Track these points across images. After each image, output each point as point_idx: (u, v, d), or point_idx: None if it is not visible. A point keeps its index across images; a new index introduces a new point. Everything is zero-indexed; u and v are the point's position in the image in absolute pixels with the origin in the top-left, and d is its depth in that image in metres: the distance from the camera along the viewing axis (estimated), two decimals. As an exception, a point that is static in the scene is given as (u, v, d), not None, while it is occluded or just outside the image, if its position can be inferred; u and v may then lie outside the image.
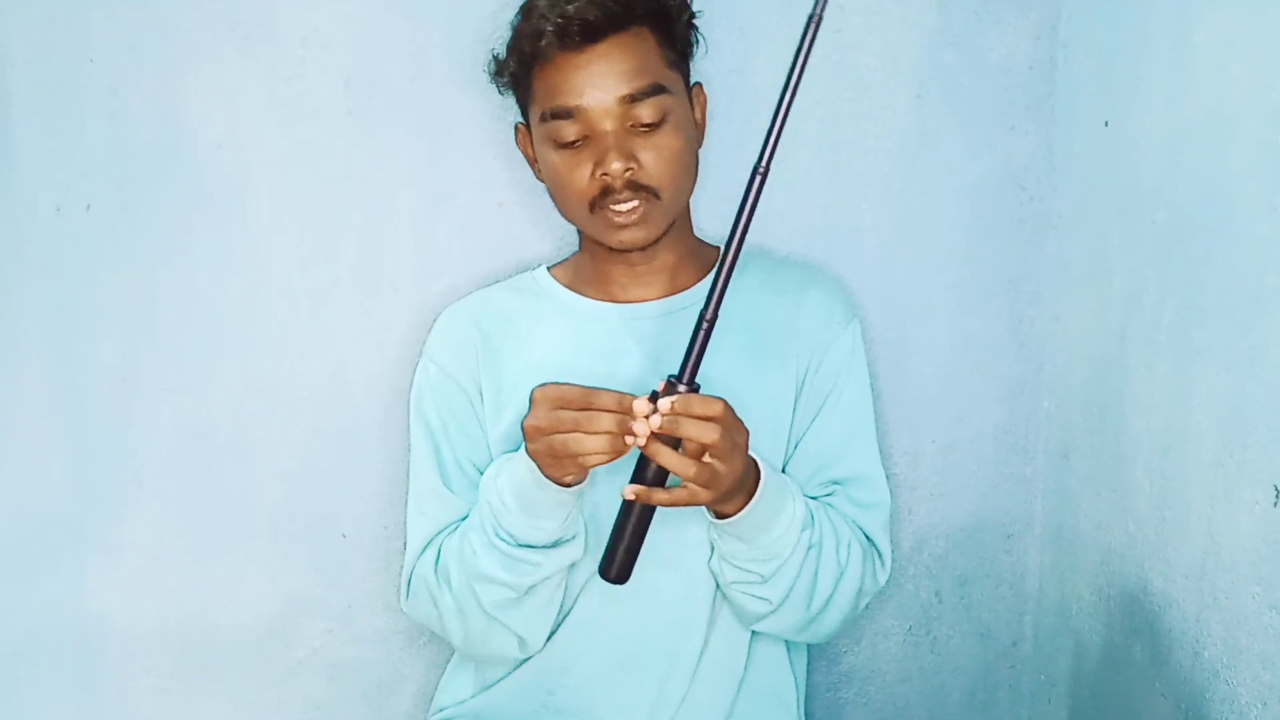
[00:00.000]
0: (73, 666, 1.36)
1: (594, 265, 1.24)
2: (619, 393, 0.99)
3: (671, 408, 0.97)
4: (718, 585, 1.17)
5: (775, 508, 1.09)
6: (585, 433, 0.99)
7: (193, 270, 1.33)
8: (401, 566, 1.24)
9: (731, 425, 0.99)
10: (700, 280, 1.25)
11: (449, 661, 1.31)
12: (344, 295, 1.35)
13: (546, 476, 1.04)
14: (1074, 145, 1.36)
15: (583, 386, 1.01)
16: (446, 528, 1.20)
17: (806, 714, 1.27)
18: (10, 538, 1.34)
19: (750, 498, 1.07)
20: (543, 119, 1.15)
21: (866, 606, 1.23)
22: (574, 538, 1.13)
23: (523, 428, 1.03)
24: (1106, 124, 1.28)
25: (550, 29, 1.11)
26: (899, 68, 1.37)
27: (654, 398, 0.98)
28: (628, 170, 1.12)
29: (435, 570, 1.17)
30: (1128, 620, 1.24)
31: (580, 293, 1.25)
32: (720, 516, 1.08)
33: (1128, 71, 1.23)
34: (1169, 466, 1.16)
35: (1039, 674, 1.48)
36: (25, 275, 1.31)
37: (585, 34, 1.11)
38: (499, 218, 1.35)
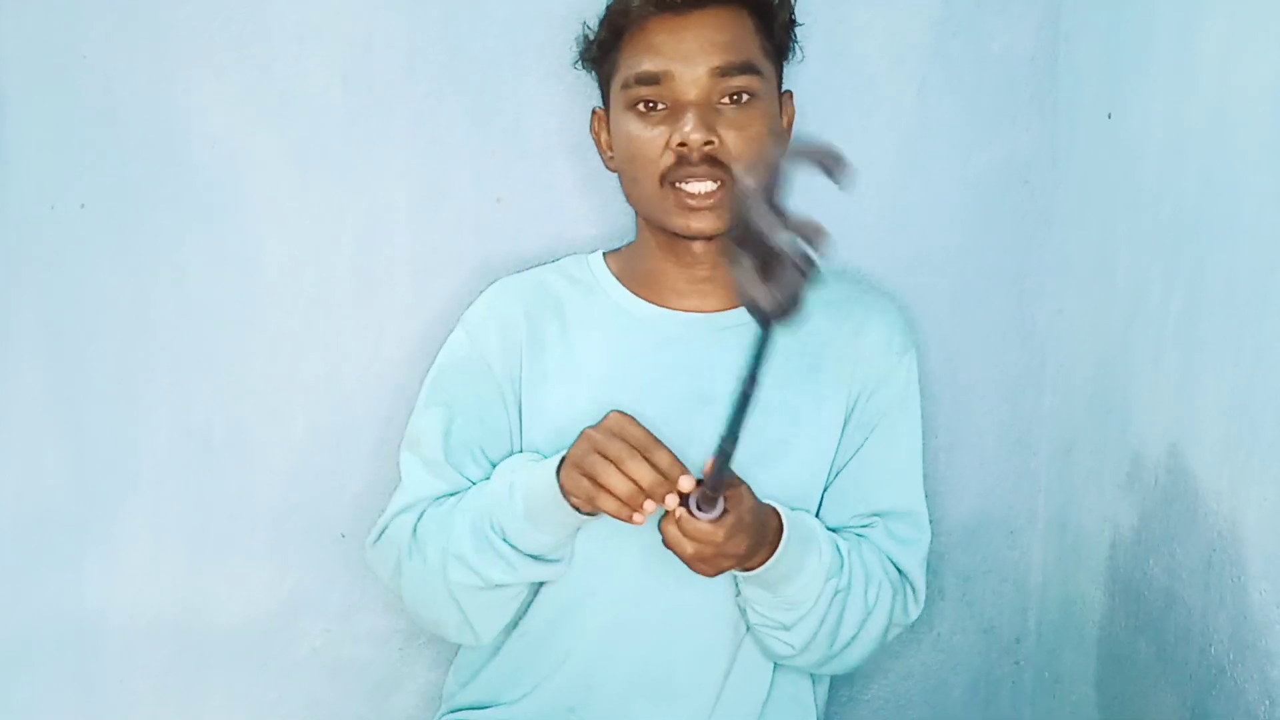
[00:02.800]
0: (70, 666, 1.36)
1: (650, 263, 1.19)
2: (671, 460, 0.98)
3: (677, 518, 0.98)
4: (743, 612, 1.15)
5: (798, 561, 1.06)
6: (620, 471, 0.98)
7: (189, 268, 1.32)
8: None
9: (722, 548, 0.98)
10: None
11: (453, 660, 1.30)
12: (341, 292, 1.34)
13: (566, 495, 1.02)
14: (1077, 138, 1.35)
15: (649, 435, 0.99)
16: (439, 497, 1.16)
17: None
18: (8, 536, 1.33)
19: (773, 549, 1.04)
20: (625, 85, 1.10)
21: (895, 639, 1.21)
22: (559, 560, 1.11)
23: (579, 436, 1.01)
24: (1110, 116, 1.27)
25: None
26: (901, 60, 1.36)
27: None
28: (708, 143, 1.07)
29: (413, 534, 1.14)
30: (1132, 617, 1.24)
31: (635, 291, 1.20)
32: (745, 568, 1.06)
33: (1130, 63, 1.22)
34: (1175, 462, 1.15)
35: (1043, 671, 1.47)
36: (20, 274, 1.30)
37: None
38: (496, 214, 1.34)
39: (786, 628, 1.10)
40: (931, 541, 1.44)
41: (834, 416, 1.17)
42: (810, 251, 0.78)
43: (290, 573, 1.38)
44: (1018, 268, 1.41)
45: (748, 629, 1.16)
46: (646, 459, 0.97)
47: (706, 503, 0.98)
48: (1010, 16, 1.36)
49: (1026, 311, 1.43)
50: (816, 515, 1.18)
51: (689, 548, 0.98)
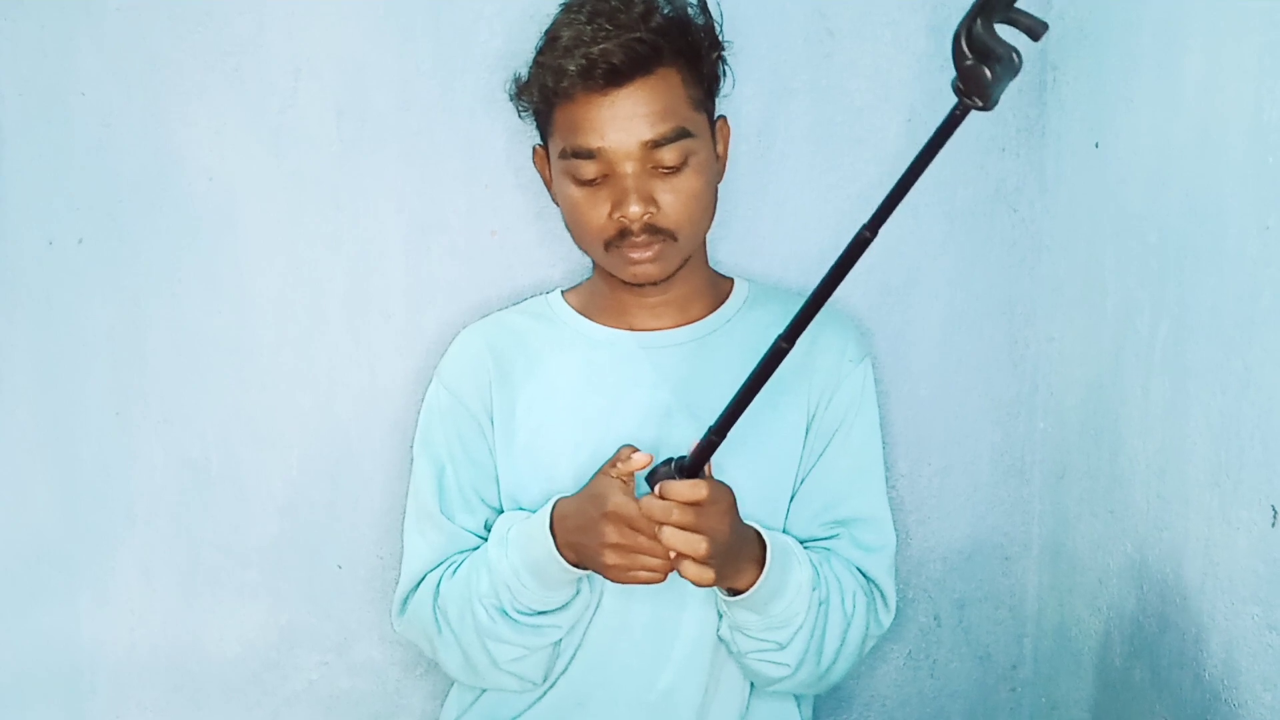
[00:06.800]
0: (64, 701, 1.35)
1: (607, 293, 1.24)
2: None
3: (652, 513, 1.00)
4: (725, 645, 1.17)
5: (783, 576, 1.08)
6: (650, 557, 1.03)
7: (184, 301, 1.33)
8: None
9: (706, 514, 1.00)
10: (714, 310, 1.24)
11: (449, 691, 1.30)
12: (335, 325, 1.35)
13: (573, 563, 1.08)
14: (1065, 166, 1.36)
15: (643, 515, 1.02)
16: (444, 560, 1.20)
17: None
18: (1, 572, 1.33)
19: (758, 568, 1.06)
20: (562, 155, 1.13)
21: (871, 650, 1.22)
22: (580, 593, 1.14)
23: (594, 544, 1.04)
24: (1097, 145, 1.29)
25: (573, 68, 1.08)
26: (890, 91, 1.37)
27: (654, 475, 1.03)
28: (646, 214, 1.11)
29: (433, 609, 1.18)
30: (1127, 642, 1.24)
31: (593, 319, 1.25)
32: (732, 593, 1.08)
33: (1116, 93, 1.24)
34: (1166, 487, 1.15)
35: (1039, 697, 1.47)
36: (17, 309, 1.31)
37: (609, 77, 1.08)
38: (490, 245, 1.35)
39: (782, 646, 1.11)
40: (927, 568, 1.45)
41: (795, 429, 1.20)
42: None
43: (286, 605, 1.38)
44: (1008, 295, 1.42)
45: (732, 652, 1.17)
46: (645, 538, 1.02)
47: (686, 475, 1.01)
48: (997, 48, 1.38)
49: (1017, 338, 1.43)
50: (784, 528, 1.20)
51: (674, 514, 0.99)
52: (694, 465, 1.00)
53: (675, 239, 1.14)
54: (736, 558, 1.05)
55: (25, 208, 1.29)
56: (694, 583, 1.01)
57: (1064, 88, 1.36)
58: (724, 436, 0.98)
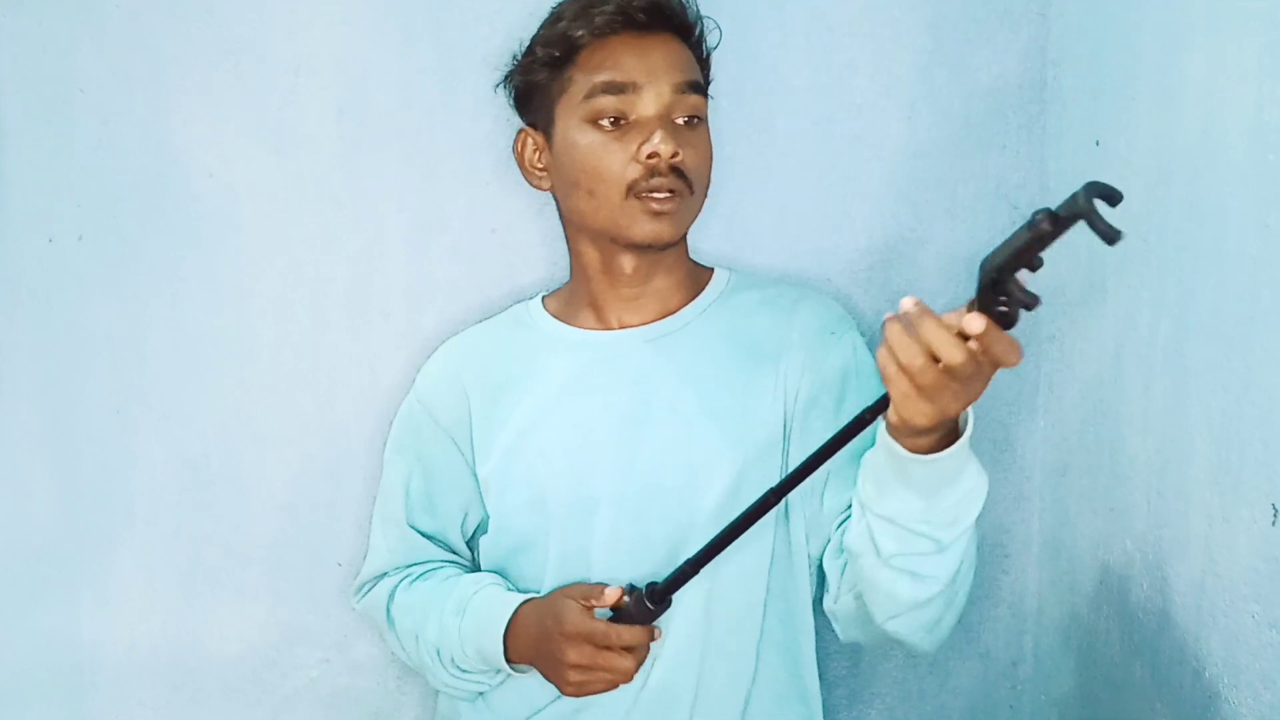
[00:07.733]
0: (64, 701, 1.36)
1: (587, 290, 1.23)
2: (635, 630, 1.08)
3: (984, 328, 0.91)
4: (710, 628, 1.15)
5: (964, 464, 1.00)
6: (613, 673, 1.09)
7: (185, 300, 1.33)
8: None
9: (992, 354, 0.92)
10: (690, 301, 1.23)
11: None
12: (336, 323, 1.35)
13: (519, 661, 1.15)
14: (1065, 165, 1.36)
15: (607, 627, 1.08)
16: (403, 566, 1.26)
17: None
18: (1, 572, 1.33)
19: (944, 445, 0.97)
20: (588, 95, 1.13)
21: (870, 647, 1.21)
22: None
23: (564, 663, 1.09)
24: (1097, 143, 1.28)
25: (611, 8, 1.13)
26: (890, 88, 1.37)
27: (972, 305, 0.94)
28: (675, 154, 1.12)
29: (387, 612, 1.25)
30: (1127, 639, 1.24)
31: (570, 322, 1.25)
32: (916, 448, 0.97)
33: (1117, 91, 1.24)
34: (1166, 485, 1.15)
35: (1040, 694, 1.47)
36: (17, 306, 1.31)
37: (651, 13, 1.14)
38: (491, 245, 1.35)
39: (940, 548, 1.02)
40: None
41: (773, 405, 1.18)
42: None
43: (286, 603, 1.38)
44: (1009, 293, 1.42)
45: (864, 565, 1.09)
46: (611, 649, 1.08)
47: (657, 600, 1.07)
48: (998, 45, 1.38)
49: (1018, 337, 1.43)
50: (787, 514, 1.19)
51: (959, 354, 0.91)
52: (665, 592, 1.05)
53: (691, 192, 1.15)
54: (945, 422, 0.95)
55: (26, 205, 1.30)
56: (909, 413, 0.93)
57: (1064, 85, 1.36)
58: (698, 570, 1.04)
